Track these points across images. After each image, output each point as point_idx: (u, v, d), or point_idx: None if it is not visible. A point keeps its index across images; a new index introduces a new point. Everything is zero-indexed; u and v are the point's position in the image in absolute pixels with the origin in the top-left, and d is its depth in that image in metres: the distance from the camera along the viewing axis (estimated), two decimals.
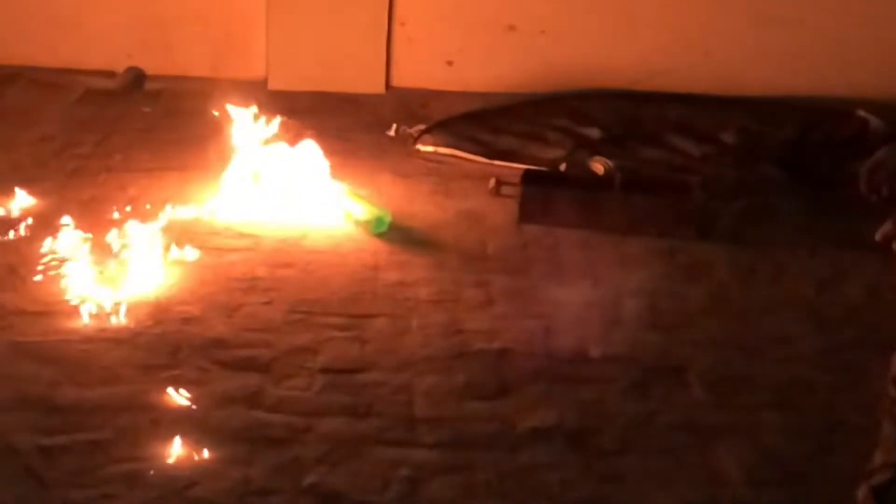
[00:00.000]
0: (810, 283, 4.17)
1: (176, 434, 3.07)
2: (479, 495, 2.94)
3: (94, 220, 4.35)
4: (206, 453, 3.02)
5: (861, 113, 5.74)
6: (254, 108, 4.87)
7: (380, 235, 4.43)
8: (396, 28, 6.22)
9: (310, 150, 4.74)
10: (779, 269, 4.27)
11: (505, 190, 4.79)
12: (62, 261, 4.03)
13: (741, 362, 3.62)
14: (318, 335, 3.66)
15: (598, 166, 4.98)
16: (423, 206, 4.72)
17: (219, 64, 6.14)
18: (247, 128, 4.85)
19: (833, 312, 3.97)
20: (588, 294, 4.03)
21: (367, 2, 6.14)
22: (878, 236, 2.33)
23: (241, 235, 4.37)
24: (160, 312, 3.74)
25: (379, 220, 4.47)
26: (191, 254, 4.15)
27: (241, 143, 4.79)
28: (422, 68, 6.27)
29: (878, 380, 3.51)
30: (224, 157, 4.74)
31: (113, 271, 3.95)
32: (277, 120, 4.87)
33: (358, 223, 4.51)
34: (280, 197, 4.62)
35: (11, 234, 4.25)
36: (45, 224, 4.31)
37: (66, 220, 4.30)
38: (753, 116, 5.76)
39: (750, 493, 2.99)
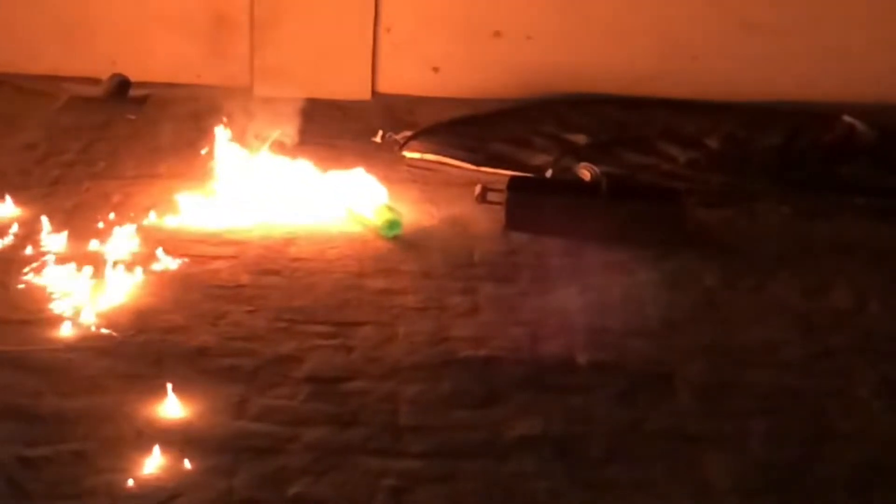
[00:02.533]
0: (797, 289, 4.16)
1: (159, 444, 3.04)
2: None
3: (77, 227, 4.32)
4: (189, 464, 2.99)
5: (847, 118, 5.74)
6: (238, 116, 4.86)
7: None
8: (382, 34, 6.22)
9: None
10: (765, 276, 4.26)
11: (491, 196, 4.78)
12: (45, 269, 4.01)
13: (728, 369, 3.61)
14: (303, 343, 3.63)
15: (585, 172, 4.97)
16: (409, 212, 4.69)
17: (203, 71, 6.13)
18: (231, 135, 4.84)
19: (820, 319, 3.96)
20: (574, 301, 4.02)
21: (353, 8, 6.13)
22: None
23: (226, 243, 4.34)
24: (143, 321, 3.71)
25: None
26: (175, 262, 4.13)
27: (226, 149, 4.78)
28: (408, 75, 6.27)
29: (864, 387, 3.53)
30: (209, 165, 4.72)
31: (96, 279, 3.92)
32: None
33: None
34: (266, 202, 4.62)
35: None
36: (29, 232, 4.29)
37: (49, 228, 4.28)
38: (740, 122, 5.77)
39: (738, 500, 2.98)
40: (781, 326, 3.90)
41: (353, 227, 4.53)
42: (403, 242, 4.44)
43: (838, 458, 3.17)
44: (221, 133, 4.82)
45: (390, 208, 4.55)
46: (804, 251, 4.51)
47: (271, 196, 4.65)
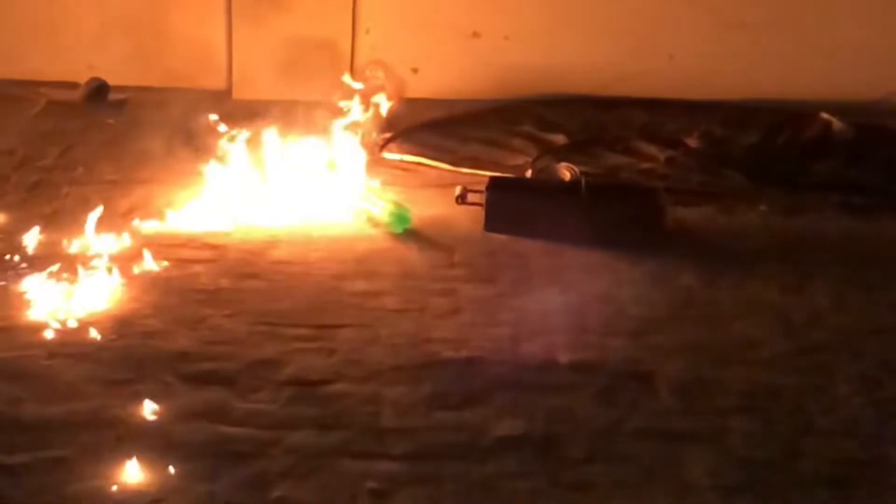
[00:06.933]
0: (776, 286, 4.18)
1: (140, 450, 3.04)
2: None
3: (56, 233, 4.31)
4: (170, 469, 2.98)
5: (824, 115, 5.77)
6: (218, 118, 4.85)
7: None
8: (360, 36, 6.21)
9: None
10: (744, 274, 4.27)
11: (471, 197, 4.78)
12: (24, 275, 3.99)
13: (708, 367, 3.62)
14: (283, 347, 3.63)
15: (565, 172, 4.97)
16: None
17: (182, 74, 6.11)
18: (211, 137, 4.83)
19: (799, 316, 3.98)
20: (555, 301, 4.02)
21: (331, 10, 6.12)
22: None
23: (206, 246, 4.34)
24: (123, 326, 3.70)
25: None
26: (154, 266, 4.12)
27: (206, 152, 4.77)
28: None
29: (844, 383, 3.55)
30: (188, 168, 4.71)
31: (76, 285, 3.91)
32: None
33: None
34: (247, 204, 4.62)
35: None
36: (7, 238, 4.27)
37: (28, 233, 4.27)
38: (717, 120, 5.78)
39: (717, 498, 2.99)
40: (761, 324, 3.92)
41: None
42: (383, 244, 4.44)
43: (818, 455, 3.18)
44: (202, 135, 4.81)
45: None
46: (782, 248, 4.53)
47: (257, 198, 4.64)
